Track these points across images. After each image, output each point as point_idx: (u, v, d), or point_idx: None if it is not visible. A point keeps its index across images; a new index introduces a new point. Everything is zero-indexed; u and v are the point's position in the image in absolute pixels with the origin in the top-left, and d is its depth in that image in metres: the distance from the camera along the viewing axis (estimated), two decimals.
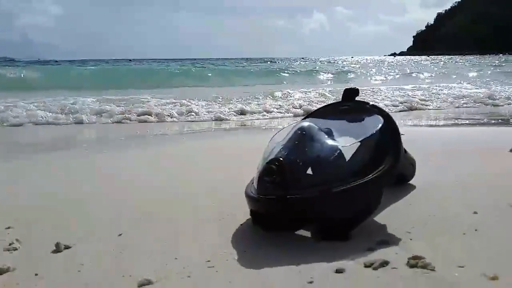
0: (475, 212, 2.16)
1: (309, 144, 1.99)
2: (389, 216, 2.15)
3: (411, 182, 2.74)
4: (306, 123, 2.12)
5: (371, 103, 2.40)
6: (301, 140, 2.00)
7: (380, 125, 2.14)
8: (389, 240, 1.84)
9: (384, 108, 2.33)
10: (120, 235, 2.03)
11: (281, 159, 1.91)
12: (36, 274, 1.64)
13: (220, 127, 7.19)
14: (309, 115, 2.50)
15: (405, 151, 2.68)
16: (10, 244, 1.93)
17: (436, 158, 3.52)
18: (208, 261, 1.70)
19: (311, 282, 1.50)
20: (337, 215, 1.88)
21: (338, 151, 1.98)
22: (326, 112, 2.45)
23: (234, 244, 1.88)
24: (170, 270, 1.63)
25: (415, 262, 1.58)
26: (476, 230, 1.94)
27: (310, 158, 1.94)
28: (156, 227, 2.10)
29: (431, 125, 6.97)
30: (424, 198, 2.44)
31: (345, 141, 2.03)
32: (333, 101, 2.56)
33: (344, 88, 2.49)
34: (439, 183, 2.75)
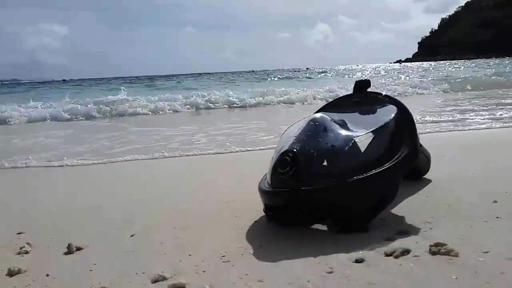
0: (495, 201, 2.10)
1: (322, 134, 1.94)
2: (406, 209, 2.09)
3: (426, 176, 2.68)
4: (318, 115, 2.08)
5: (383, 93, 2.36)
6: (314, 131, 1.96)
7: (394, 114, 2.09)
8: (408, 230, 1.78)
9: (397, 98, 2.28)
10: (132, 235, 1.99)
11: (295, 150, 1.86)
12: (47, 275, 1.61)
13: None
14: (321, 109, 2.46)
15: (420, 145, 2.63)
16: (21, 248, 1.90)
17: (451, 154, 3.46)
18: (223, 256, 1.66)
19: (330, 272, 1.45)
20: (354, 205, 1.82)
21: (352, 141, 1.94)
22: (338, 105, 2.41)
23: (249, 239, 1.84)
24: (184, 266, 1.59)
25: (437, 249, 1.53)
26: (498, 217, 1.88)
27: (325, 148, 1.89)
28: (168, 229, 2.05)
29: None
30: (440, 191, 2.38)
31: (359, 132, 1.99)
32: (345, 94, 2.52)
33: (355, 80, 2.45)
34: (455, 176, 2.69)
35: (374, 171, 1.82)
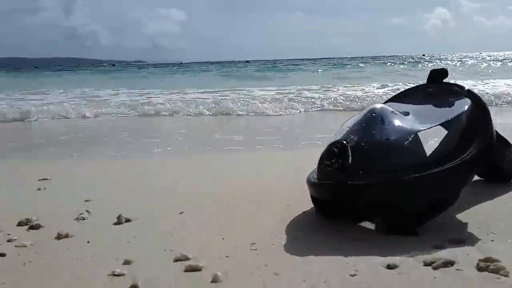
0: None
1: (378, 127, 1.78)
2: (476, 214, 1.86)
3: None
4: (379, 105, 1.91)
5: (460, 84, 2.10)
6: (369, 122, 1.80)
7: (465, 108, 1.86)
8: (465, 239, 1.57)
9: (474, 90, 2.01)
10: (181, 213, 2.03)
11: (344, 141, 1.74)
12: (88, 242, 1.69)
13: None
14: (391, 98, 2.27)
15: (510, 144, 2.33)
16: (80, 214, 2.03)
17: None
18: (253, 244, 1.61)
19: (353, 275, 1.33)
20: (404, 206, 1.66)
21: (413, 135, 1.75)
22: (409, 95, 2.20)
23: (288, 230, 1.76)
24: (211, 250, 1.57)
25: (485, 265, 1.32)
26: None
27: (378, 142, 1.74)
28: (214, 210, 2.05)
29: None
30: None
31: (422, 126, 1.80)
32: (419, 84, 2.29)
33: (430, 70, 2.21)
34: None
35: (431, 172, 1.64)
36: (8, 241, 1.73)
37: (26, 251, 1.63)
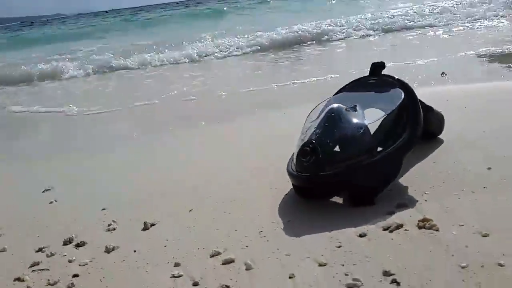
0: (489, 168, 2.48)
1: (337, 125, 2.37)
2: (412, 177, 2.52)
3: (441, 136, 3.04)
4: (335, 105, 2.48)
5: (396, 77, 2.70)
6: (330, 122, 2.39)
7: (401, 100, 2.47)
8: (407, 203, 2.23)
9: (407, 82, 2.61)
10: (190, 210, 2.55)
11: (314, 141, 2.31)
12: (134, 251, 2.19)
13: None
14: (340, 90, 2.85)
15: (432, 109, 2.99)
16: (109, 225, 2.50)
17: (474, 105, 3.74)
18: (261, 231, 2.19)
19: (339, 247, 1.95)
20: (362, 184, 2.29)
21: (363, 128, 2.35)
22: (355, 86, 2.80)
23: (280, 214, 2.35)
24: (231, 242, 2.13)
25: (423, 224, 1.98)
26: (484, 187, 2.28)
27: (338, 137, 2.34)
28: (218, 203, 2.59)
29: None
30: (447, 156, 2.76)
31: (370, 115, 2.41)
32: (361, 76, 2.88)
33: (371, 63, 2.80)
34: (466, 137, 3.02)
35: (379, 156, 2.26)
36: (69, 261, 2.17)
37: (91, 268, 2.10)
